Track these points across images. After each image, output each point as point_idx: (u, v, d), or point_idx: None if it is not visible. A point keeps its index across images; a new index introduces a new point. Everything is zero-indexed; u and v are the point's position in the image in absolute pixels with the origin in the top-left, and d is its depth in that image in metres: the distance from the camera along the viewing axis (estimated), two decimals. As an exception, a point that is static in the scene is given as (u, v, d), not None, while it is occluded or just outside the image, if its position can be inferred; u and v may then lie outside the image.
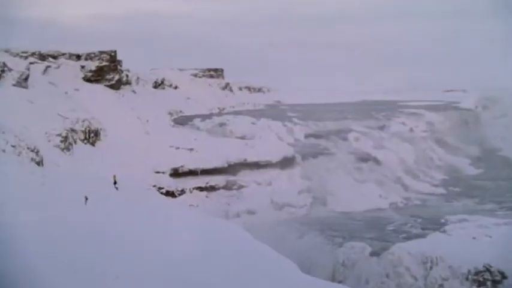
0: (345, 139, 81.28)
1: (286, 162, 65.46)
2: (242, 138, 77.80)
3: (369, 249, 36.88)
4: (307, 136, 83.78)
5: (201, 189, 58.20)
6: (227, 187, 59.80)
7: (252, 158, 63.70)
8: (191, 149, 65.45)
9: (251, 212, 54.69)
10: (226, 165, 62.11)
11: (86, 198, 38.34)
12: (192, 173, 60.74)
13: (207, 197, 57.94)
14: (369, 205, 58.03)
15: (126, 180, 51.83)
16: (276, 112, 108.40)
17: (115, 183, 48.58)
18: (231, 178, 60.98)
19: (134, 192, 47.15)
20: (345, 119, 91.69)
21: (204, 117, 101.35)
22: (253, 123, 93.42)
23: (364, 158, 74.20)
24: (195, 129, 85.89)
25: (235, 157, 63.28)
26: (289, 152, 67.26)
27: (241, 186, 59.99)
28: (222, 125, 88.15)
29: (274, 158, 64.66)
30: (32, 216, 30.07)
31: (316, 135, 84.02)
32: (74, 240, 24.58)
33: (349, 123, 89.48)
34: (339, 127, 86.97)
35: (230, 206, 55.73)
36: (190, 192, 57.55)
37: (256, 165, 63.65)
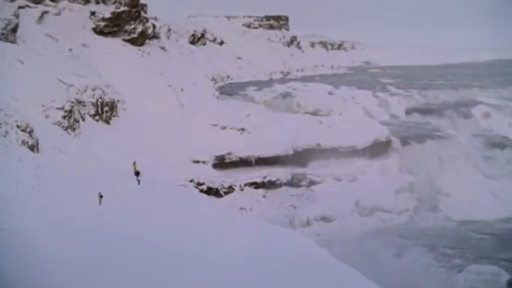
0: (468, 116, 79.39)
1: (377, 149, 64.26)
2: (315, 114, 79.42)
3: (505, 277, 36.08)
4: (409, 111, 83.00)
5: (256, 185, 58.39)
6: (293, 183, 59.47)
7: (328, 143, 62.97)
8: (242, 130, 66.10)
9: (327, 219, 53.14)
10: (291, 152, 62.21)
11: (101, 196, 39.31)
12: (243, 162, 60.90)
13: (264, 196, 57.51)
14: (505, 212, 55.44)
15: (152, 171, 52.85)
16: (363, 77, 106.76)
17: (137, 174, 49.35)
18: (298, 171, 60.54)
19: (163, 189, 47.16)
20: (467, 87, 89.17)
21: (261, 84, 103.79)
22: (331, 94, 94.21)
23: (498, 143, 71.44)
24: (249, 102, 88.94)
25: (304, 141, 63.13)
26: (382, 133, 65.90)
27: (312, 182, 59.21)
28: (286, 95, 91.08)
29: (361, 143, 63.54)
30: (23, 223, 31.28)
31: (422, 110, 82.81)
32: (85, 264, 25.49)
33: (474, 92, 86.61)
34: (458, 98, 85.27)
35: (297, 210, 54.67)
36: (241, 189, 57.62)
37: (335, 153, 62.72)
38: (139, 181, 48.18)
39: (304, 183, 59.69)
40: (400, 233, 49.43)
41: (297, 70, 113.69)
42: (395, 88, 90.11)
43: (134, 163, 50.75)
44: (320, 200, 55.69)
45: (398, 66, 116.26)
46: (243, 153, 61.44)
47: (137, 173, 49.58)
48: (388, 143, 65.57)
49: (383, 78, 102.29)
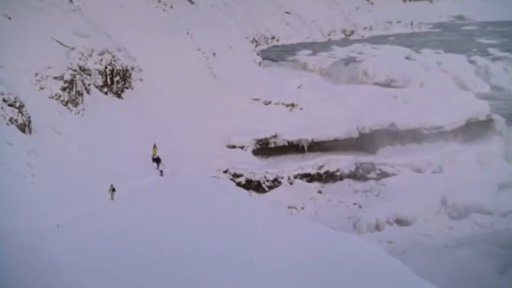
0: None
1: (473, 130, 63.57)
2: (387, 85, 79.21)
3: None
4: (518, 81, 79.84)
5: (309, 178, 58.79)
6: (358, 175, 59.71)
7: (405, 122, 62.47)
8: (292, 105, 66.54)
9: (403, 222, 52.48)
10: (356, 134, 62.15)
11: (113, 190, 40.72)
12: (293, 148, 61.42)
13: (320, 192, 57.91)
14: None
15: (176, 159, 53.64)
16: (454, 37, 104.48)
17: (157, 161, 50.78)
18: (365, 159, 60.51)
19: (190, 182, 47.94)
20: None
21: (316, 47, 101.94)
22: (409, 59, 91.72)
23: None
24: (300, 70, 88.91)
25: (373, 120, 62.76)
26: (480, 110, 65.00)
27: (384, 174, 58.95)
28: (349, 61, 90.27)
29: (450, 122, 62.74)
30: (12, 225, 32.09)
31: (536, 80, 78.99)
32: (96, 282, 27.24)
33: None
34: None
35: (363, 211, 54.15)
36: (290, 183, 58.07)
37: (414, 136, 62.42)
38: (161, 171, 49.20)
39: (372, 175, 59.54)
40: (504, 242, 48.57)
41: (364, 28, 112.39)
42: (499, 51, 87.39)
43: (155, 146, 51.54)
44: (394, 197, 54.98)
45: (504, 21, 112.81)
46: (293, 136, 61.46)
47: (157, 160, 50.39)
48: (488, 122, 64.60)
49: (482, 38, 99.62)
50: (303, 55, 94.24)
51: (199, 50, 71.51)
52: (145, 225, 35.62)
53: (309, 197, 57.12)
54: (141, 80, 63.19)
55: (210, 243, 32.42)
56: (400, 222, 52.42)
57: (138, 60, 63.79)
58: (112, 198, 40.18)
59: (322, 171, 59.60)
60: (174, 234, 33.77)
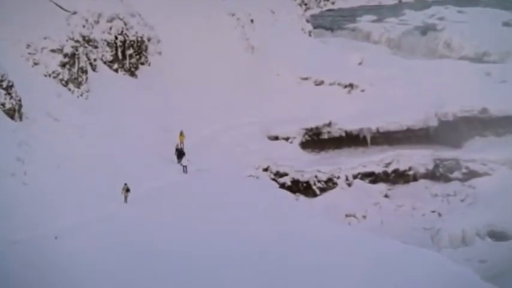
0: None
1: None
2: (478, 59, 78.72)
3: None
4: None
5: (373, 178, 59.21)
6: (437, 175, 59.74)
7: (501, 108, 62.85)
8: (351, 86, 67.27)
9: (500, 236, 50.70)
10: (434, 123, 62.45)
11: (127, 190, 40.98)
12: (352, 140, 61.89)
13: (387, 196, 58.13)
14: None
15: (205, 153, 53.83)
16: None
17: (180, 155, 50.76)
18: (446, 154, 60.44)
19: (222, 182, 48.30)
20: None
21: (382, 11, 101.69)
22: (508, 25, 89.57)
23: None
24: (362, 41, 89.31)
25: (458, 105, 62.94)
26: None
27: (472, 174, 58.71)
28: (426, 30, 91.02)
29: None
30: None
31: None
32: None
33: None
34: None
35: (444, 220, 53.27)
36: (349, 184, 58.35)
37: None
38: (184, 168, 49.30)
39: (457, 174, 59.34)
40: None
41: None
42: None
43: (181, 134, 52.21)
44: (486, 202, 54.42)
45: None
46: (352, 125, 61.89)
47: (181, 153, 50.63)
48: None
49: None
50: (365, 22, 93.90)
51: (233, 15, 71.40)
52: (165, 236, 35.65)
53: (372, 202, 57.03)
54: (159, 53, 63.43)
55: (250, 266, 32.34)
56: (494, 235, 51.28)
57: (157, 29, 63.94)
58: (126, 200, 40.41)
59: (389, 170, 59.76)
60: (202, 255, 33.53)
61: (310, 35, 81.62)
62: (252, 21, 72.55)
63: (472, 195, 56.61)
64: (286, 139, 60.42)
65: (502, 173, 58.13)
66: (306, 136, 61.04)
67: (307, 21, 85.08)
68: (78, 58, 53.47)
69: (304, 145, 60.76)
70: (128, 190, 40.56)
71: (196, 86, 61.65)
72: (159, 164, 48.86)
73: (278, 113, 61.80)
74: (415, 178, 59.75)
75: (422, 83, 67.17)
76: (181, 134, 51.56)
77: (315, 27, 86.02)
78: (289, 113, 61.96)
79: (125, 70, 60.02)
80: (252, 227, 37.89)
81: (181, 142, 51.48)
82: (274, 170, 57.15)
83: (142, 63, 61.68)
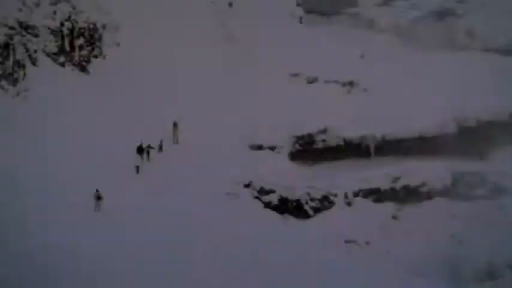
0: None
1: None
2: (508, 51, 78.76)
3: None
4: None
5: (378, 195, 58.95)
6: (456, 191, 59.32)
7: None
8: (350, 85, 68.04)
9: None
10: (454, 128, 63.06)
11: (99, 198, 42.31)
12: (352, 149, 62.28)
13: (395, 218, 57.90)
14: None
15: (173, 165, 53.81)
16: None
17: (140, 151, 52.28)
18: (467, 167, 60.46)
19: (190, 201, 48.37)
20: None
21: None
22: None
23: None
24: (364, 29, 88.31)
25: (482, 107, 63.77)
26: None
27: (501, 191, 58.73)
28: (443, 15, 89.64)
29: None
30: None
31: None
32: None
33: None
34: None
35: (467, 247, 53.42)
36: (348, 203, 58.05)
37: None
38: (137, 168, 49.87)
39: (481, 191, 59.25)
40: None
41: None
42: None
43: (175, 125, 55.17)
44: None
45: None
46: (352, 132, 62.13)
47: (147, 149, 53.05)
48: None
49: None
50: (368, 5, 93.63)
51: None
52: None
53: (377, 225, 56.54)
54: (117, 44, 63.91)
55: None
56: None
57: (114, 15, 64.42)
58: (98, 209, 41.08)
59: (398, 186, 59.46)
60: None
61: (301, 22, 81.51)
62: (230, 4, 72.87)
63: (499, 217, 55.92)
64: (273, 149, 60.53)
65: None
66: (297, 145, 61.31)
67: (298, 4, 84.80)
68: (14, 49, 53.47)
69: (294, 156, 60.89)
70: (99, 197, 41.14)
71: (163, 84, 61.97)
72: (116, 178, 48.51)
73: (263, 117, 61.68)
74: (429, 196, 59.27)
75: (438, 80, 67.16)
76: (175, 125, 54.29)
77: (307, 12, 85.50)
78: (276, 116, 61.82)
79: (73, 64, 60.09)
80: (230, 258, 37.85)
81: (175, 134, 54.07)
82: (257, 186, 56.71)
83: (95, 56, 61.92)
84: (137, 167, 50.35)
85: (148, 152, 53.35)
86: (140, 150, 52.23)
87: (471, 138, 62.24)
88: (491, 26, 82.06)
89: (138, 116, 57.21)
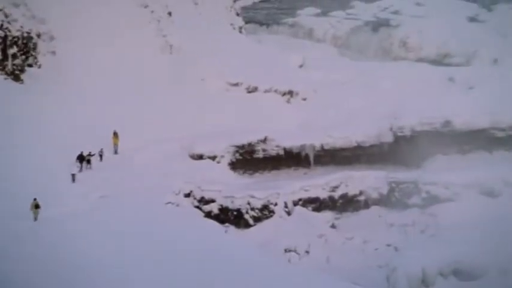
0: None
1: None
2: (439, 61, 79.80)
3: None
4: None
5: (317, 204, 58.84)
6: (392, 200, 59.88)
7: (468, 120, 63.84)
8: (290, 94, 68.26)
9: (466, 275, 48.85)
10: (390, 138, 63.65)
11: (37, 207, 41.08)
12: (291, 158, 62.41)
13: (333, 226, 58.00)
14: None
15: (113, 175, 53.03)
16: None
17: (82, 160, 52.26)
18: (403, 176, 60.70)
19: (133, 212, 47.55)
20: None
21: (326, 4, 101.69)
22: (474, 20, 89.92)
23: None
24: (303, 39, 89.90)
25: (416, 116, 64.05)
26: None
27: (434, 199, 58.81)
28: (379, 26, 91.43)
29: None
30: None
31: None
32: None
33: None
34: None
35: (402, 255, 52.46)
36: (288, 212, 57.71)
37: (482, 140, 63.58)
38: (73, 176, 49.87)
39: (415, 200, 59.53)
40: None
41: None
42: None
43: (115, 134, 54.43)
44: (450, 234, 54.65)
45: None
46: (292, 141, 62.20)
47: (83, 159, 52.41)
48: None
49: None
50: (307, 16, 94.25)
51: (146, 7, 71.62)
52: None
53: (316, 234, 56.54)
54: (53, 53, 63.19)
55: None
56: (460, 274, 51.09)
57: (49, 23, 63.68)
58: (36, 218, 40.78)
59: (336, 195, 59.35)
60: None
61: (241, 32, 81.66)
62: (169, 14, 72.57)
63: (433, 226, 56.64)
64: (213, 158, 60.34)
65: (467, 198, 58.13)
66: (237, 154, 61.17)
67: (238, 14, 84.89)
68: None
69: (235, 165, 60.85)
70: (37, 206, 40.87)
71: (101, 94, 61.33)
72: (55, 187, 48.13)
73: (203, 127, 61.70)
74: (366, 205, 59.49)
75: (375, 90, 67.93)
76: (115, 134, 53.61)
77: (246, 22, 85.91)
78: (216, 126, 61.93)
79: (6, 73, 59.28)
80: (171, 267, 37.31)
81: (115, 144, 53.46)
82: (198, 195, 56.54)
83: (30, 65, 61.09)
84: (73, 176, 49.82)
85: (89, 161, 53.13)
86: (81, 158, 52.02)
87: (406, 148, 62.99)
88: (423, 37, 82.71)
89: (76, 125, 56.63)
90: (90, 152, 53.28)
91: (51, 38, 62.57)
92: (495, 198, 58.22)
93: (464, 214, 56.17)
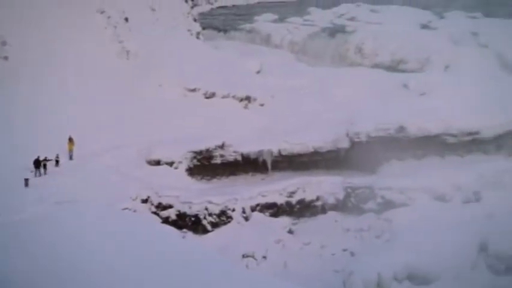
0: None
1: None
2: (393, 67, 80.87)
3: None
4: None
5: (274, 210, 58.86)
6: (348, 206, 59.92)
7: (422, 125, 63.85)
8: (248, 100, 68.67)
9: (420, 279, 49.09)
10: (346, 144, 63.83)
11: None
12: (249, 164, 62.56)
13: (290, 232, 57.71)
14: None
15: (69, 181, 52.62)
16: None
17: (42, 165, 52.31)
18: (359, 181, 60.77)
19: (88, 219, 46.04)
20: None
21: (283, 10, 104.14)
22: (427, 28, 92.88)
23: None
24: (260, 45, 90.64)
25: (372, 122, 63.94)
26: None
27: (388, 205, 59.02)
28: (335, 32, 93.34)
29: (490, 126, 64.21)
30: None
31: None
32: None
33: None
34: None
35: (358, 260, 51.25)
36: (246, 218, 57.83)
37: (435, 145, 63.95)
38: (26, 181, 49.25)
39: (371, 205, 59.70)
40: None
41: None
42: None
43: (71, 140, 54.18)
44: (405, 239, 54.60)
45: None
46: (249, 147, 62.30)
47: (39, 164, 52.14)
48: None
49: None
50: (264, 22, 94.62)
51: (103, 13, 71.25)
52: None
53: (274, 239, 56.31)
54: (5, 58, 62.93)
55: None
56: (414, 279, 51.21)
57: (1, 28, 63.43)
58: None
59: (294, 200, 59.28)
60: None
61: (198, 37, 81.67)
62: (126, 19, 72.29)
63: (388, 230, 56.50)
64: (170, 164, 60.15)
65: (422, 203, 58.26)
66: (194, 160, 61.08)
67: (195, 20, 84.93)
68: None
69: (192, 171, 60.77)
70: None
71: (56, 100, 60.96)
72: (5, 195, 47.64)
73: (160, 133, 61.51)
74: (323, 210, 59.45)
75: (331, 95, 68.37)
76: (71, 140, 53.49)
77: (204, 28, 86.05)
78: (174, 132, 61.82)
79: None
80: (127, 274, 37.14)
81: (71, 150, 53.20)
82: (155, 201, 56.33)
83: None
84: (26, 180, 49.51)
85: (45, 166, 52.90)
86: (37, 163, 51.83)
87: (362, 153, 62.99)
88: (378, 44, 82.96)
89: (30, 130, 56.38)
90: (46, 157, 52.87)
91: (4, 43, 62.24)
92: (447, 202, 58.35)
93: (419, 219, 56.18)
